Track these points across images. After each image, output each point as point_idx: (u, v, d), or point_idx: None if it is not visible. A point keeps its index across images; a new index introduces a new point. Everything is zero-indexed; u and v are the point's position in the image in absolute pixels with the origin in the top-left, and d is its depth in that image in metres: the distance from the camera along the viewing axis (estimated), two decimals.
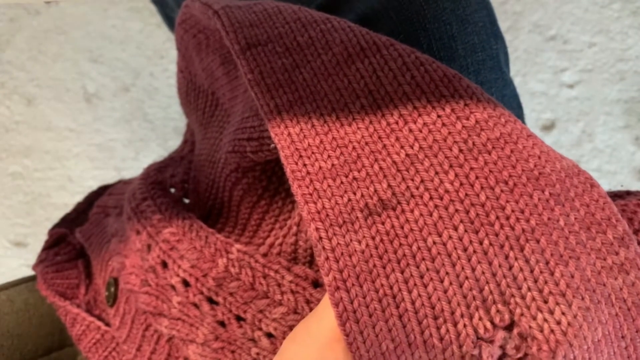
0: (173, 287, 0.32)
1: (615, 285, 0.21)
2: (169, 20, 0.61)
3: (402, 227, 0.23)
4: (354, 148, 0.25)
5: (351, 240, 0.23)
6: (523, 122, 0.40)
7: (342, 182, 0.25)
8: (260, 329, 0.29)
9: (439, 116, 0.25)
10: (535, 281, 0.21)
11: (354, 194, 0.24)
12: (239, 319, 0.30)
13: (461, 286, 0.21)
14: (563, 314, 0.20)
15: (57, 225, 0.49)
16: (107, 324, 0.39)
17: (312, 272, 0.29)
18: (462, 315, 0.21)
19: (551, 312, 0.20)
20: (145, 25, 0.95)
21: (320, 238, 0.23)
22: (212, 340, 0.31)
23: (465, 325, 0.21)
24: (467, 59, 0.34)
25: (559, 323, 0.20)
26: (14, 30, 0.96)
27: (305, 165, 0.25)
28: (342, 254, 0.23)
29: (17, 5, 0.95)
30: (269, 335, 0.29)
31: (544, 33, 0.92)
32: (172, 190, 0.40)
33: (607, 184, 0.27)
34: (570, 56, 0.92)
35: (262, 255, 0.30)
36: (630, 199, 0.26)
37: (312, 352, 0.22)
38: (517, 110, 0.39)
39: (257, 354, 0.29)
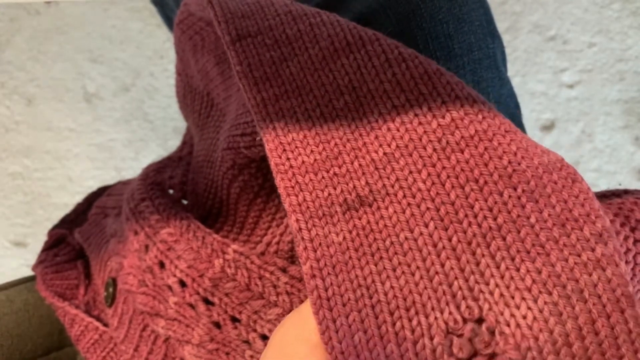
0: (170, 287, 0.32)
1: (589, 281, 0.21)
2: (169, 21, 0.61)
3: (377, 223, 0.24)
4: (336, 144, 0.26)
5: (329, 232, 0.24)
6: (520, 121, 0.40)
7: (323, 177, 0.25)
8: (255, 330, 0.29)
9: (416, 115, 0.25)
10: (502, 277, 0.21)
11: (334, 189, 0.25)
12: (234, 320, 0.30)
13: (431, 280, 0.22)
14: (529, 308, 0.20)
15: (56, 226, 0.49)
16: (106, 325, 0.39)
17: None
18: (432, 308, 0.21)
19: (517, 307, 0.21)
20: (145, 25, 0.95)
21: (300, 229, 0.24)
22: (207, 341, 0.31)
23: (436, 318, 0.21)
24: (463, 57, 0.35)
25: (524, 317, 0.20)
26: (14, 30, 0.96)
27: (288, 158, 0.26)
28: (319, 244, 0.23)
29: (17, 5, 0.95)
30: (264, 337, 0.29)
31: (544, 33, 0.92)
32: (171, 191, 0.41)
33: (607, 184, 0.27)
34: (570, 56, 0.91)
35: (258, 255, 0.30)
36: (627, 197, 0.26)
37: (303, 332, 0.23)
38: (514, 109, 0.39)
39: (251, 356, 0.29)
